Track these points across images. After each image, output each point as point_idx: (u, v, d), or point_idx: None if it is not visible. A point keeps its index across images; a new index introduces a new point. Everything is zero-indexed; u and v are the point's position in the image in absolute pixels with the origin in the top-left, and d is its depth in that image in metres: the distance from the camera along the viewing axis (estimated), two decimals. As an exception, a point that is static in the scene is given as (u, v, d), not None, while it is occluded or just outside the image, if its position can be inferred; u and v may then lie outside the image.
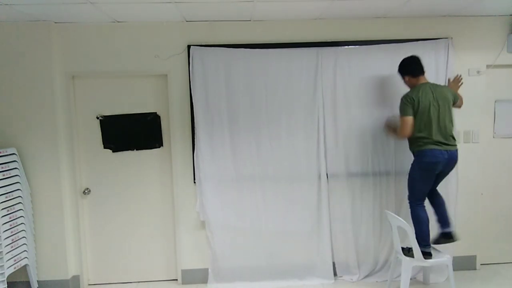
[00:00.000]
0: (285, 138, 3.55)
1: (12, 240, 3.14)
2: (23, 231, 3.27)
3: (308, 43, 3.50)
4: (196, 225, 3.63)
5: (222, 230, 3.57)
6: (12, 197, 3.17)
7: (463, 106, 3.39)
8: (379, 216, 3.63)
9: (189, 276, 3.67)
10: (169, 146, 3.61)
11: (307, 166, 3.57)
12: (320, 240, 3.62)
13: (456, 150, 3.10)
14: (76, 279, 3.59)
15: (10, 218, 3.13)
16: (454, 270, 3.25)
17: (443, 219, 3.18)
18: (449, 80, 3.51)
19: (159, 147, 3.64)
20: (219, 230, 3.57)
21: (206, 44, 3.45)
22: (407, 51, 3.46)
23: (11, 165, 3.20)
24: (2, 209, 3.06)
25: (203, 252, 3.63)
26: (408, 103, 3.06)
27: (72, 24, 3.40)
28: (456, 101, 3.22)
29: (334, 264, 3.67)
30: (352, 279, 3.63)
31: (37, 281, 3.42)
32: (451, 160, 3.07)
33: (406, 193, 3.27)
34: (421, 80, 3.15)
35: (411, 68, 3.18)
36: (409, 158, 3.23)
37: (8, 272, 3.06)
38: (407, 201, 3.26)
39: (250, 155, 3.54)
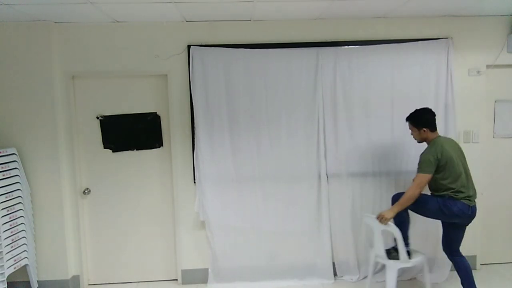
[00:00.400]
0: (285, 138, 3.54)
1: (12, 240, 3.14)
2: (23, 231, 3.27)
3: (308, 43, 3.49)
4: (196, 225, 3.63)
5: (222, 230, 3.57)
6: (12, 197, 3.17)
7: (463, 106, 3.36)
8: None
9: (189, 276, 3.67)
10: (169, 146, 3.61)
11: (307, 166, 3.57)
12: (320, 240, 3.62)
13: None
14: (76, 279, 3.59)
15: (10, 218, 3.13)
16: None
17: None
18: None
19: (159, 147, 3.64)
20: (219, 230, 3.56)
21: (206, 44, 3.45)
22: (407, 51, 3.47)
23: (11, 165, 3.20)
24: (2, 209, 3.06)
25: (203, 252, 3.63)
26: (434, 161, 2.91)
27: (72, 24, 3.40)
28: None
29: (334, 264, 3.66)
30: (352, 279, 3.64)
31: (37, 281, 3.42)
32: (473, 215, 3.02)
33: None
34: (437, 134, 3.08)
35: (431, 121, 3.05)
36: (409, 158, 3.22)
37: (8, 272, 3.07)
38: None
39: (250, 155, 3.54)
